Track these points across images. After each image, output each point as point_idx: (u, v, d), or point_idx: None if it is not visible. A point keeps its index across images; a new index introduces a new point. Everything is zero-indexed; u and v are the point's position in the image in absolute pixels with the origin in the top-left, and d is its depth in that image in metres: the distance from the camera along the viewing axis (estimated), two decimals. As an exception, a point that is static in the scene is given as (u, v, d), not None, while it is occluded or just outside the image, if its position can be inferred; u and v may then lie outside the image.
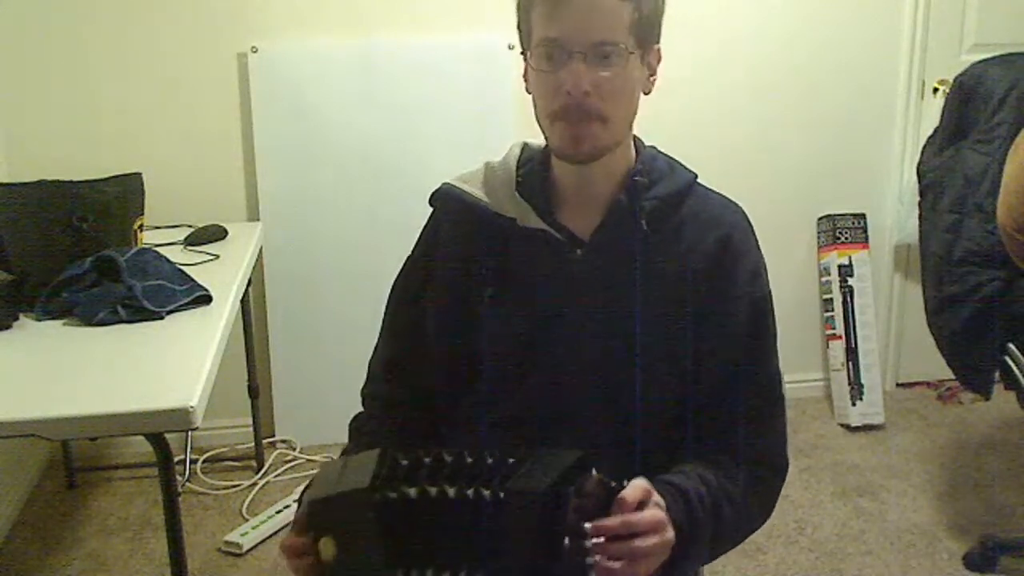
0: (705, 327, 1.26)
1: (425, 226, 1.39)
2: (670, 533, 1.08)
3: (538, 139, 1.35)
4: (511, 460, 1.03)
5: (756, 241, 1.33)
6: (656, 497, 1.08)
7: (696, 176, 1.33)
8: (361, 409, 1.43)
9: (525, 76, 1.27)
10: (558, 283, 1.26)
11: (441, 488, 1.01)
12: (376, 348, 1.42)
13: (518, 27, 1.26)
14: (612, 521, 1.02)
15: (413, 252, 1.40)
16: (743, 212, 1.34)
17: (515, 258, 1.28)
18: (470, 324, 1.28)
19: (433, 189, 1.37)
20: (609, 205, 1.27)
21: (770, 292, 1.32)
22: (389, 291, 1.41)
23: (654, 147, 1.34)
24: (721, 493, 1.21)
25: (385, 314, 1.41)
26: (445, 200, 1.35)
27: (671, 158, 1.35)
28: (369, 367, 1.43)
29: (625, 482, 1.06)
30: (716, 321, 1.26)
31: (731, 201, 1.35)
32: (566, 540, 0.97)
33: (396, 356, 1.39)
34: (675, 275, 1.26)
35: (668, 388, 1.26)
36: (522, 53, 1.26)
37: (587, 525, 1.00)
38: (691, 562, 1.20)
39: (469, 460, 1.04)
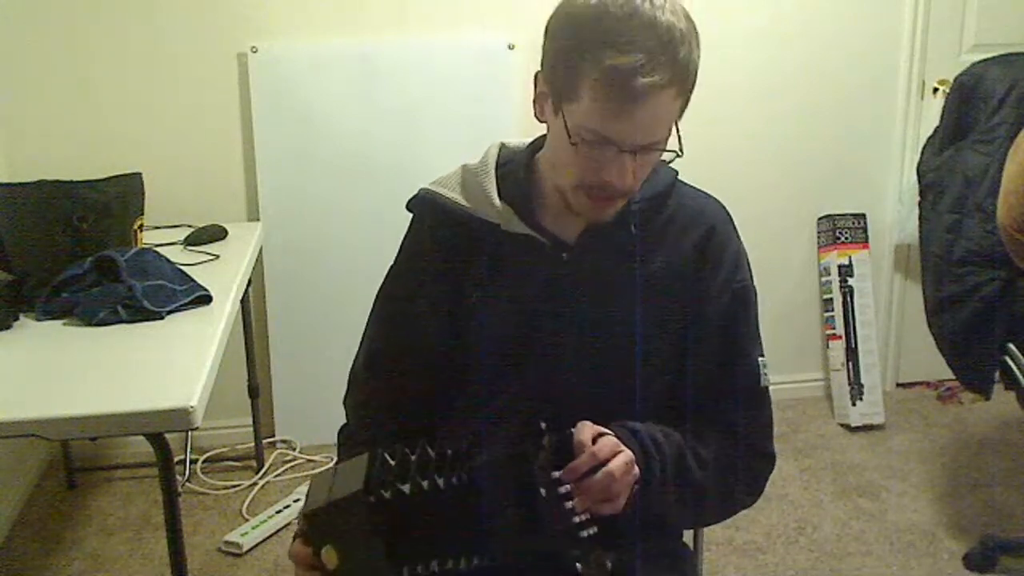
0: (691, 319, 1.27)
1: (407, 234, 1.37)
2: (629, 454, 1.13)
3: (519, 138, 1.34)
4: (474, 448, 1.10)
5: (737, 232, 1.34)
6: (603, 431, 1.15)
7: (677, 173, 1.33)
8: (346, 421, 1.44)
9: (538, 102, 1.20)
10: (546, 286, 1.27)
11: (432, 480, 1.04)
12: (356, 355, 1.41)
13: (553, 64, 1.15)
14: (577, 460, 1.10)
15: (397, 260, 1.38)
16: (722, 205, 1.35)
17: (501, 262, 1.28)
18: (461, 327, 1.28)
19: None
20: None
21: (752, 283, 1.33)
22: (374, 299, 1.39)
23: None
24: (684, 445, 1.24)
25: (368, 321, 1.39)
26: (425, 207, 1.33)
27: None
28: (350, 376, 1.42)
29: (571, 430, 1.12)
30: (700, 311, 1.28)
31: (710, 196, 1.36)
32: (541, 491, 1.04)
33: (380, 350, 1.37)
34: (662, 273, 1.27)
35: (663, 384, 1.27)
36: (547, 92, 1.17)
37: (556, 473, 1.08)
38: (657, 500, 1.19)
39: (450, 452, 1.08)
